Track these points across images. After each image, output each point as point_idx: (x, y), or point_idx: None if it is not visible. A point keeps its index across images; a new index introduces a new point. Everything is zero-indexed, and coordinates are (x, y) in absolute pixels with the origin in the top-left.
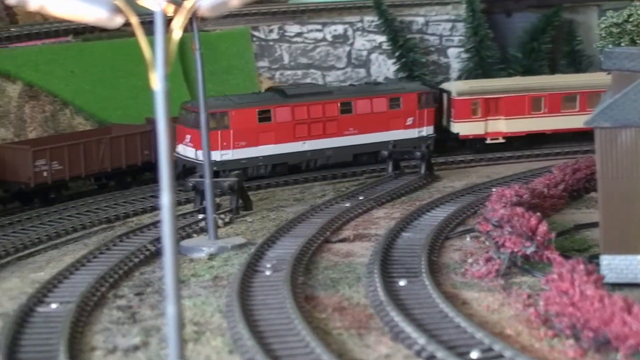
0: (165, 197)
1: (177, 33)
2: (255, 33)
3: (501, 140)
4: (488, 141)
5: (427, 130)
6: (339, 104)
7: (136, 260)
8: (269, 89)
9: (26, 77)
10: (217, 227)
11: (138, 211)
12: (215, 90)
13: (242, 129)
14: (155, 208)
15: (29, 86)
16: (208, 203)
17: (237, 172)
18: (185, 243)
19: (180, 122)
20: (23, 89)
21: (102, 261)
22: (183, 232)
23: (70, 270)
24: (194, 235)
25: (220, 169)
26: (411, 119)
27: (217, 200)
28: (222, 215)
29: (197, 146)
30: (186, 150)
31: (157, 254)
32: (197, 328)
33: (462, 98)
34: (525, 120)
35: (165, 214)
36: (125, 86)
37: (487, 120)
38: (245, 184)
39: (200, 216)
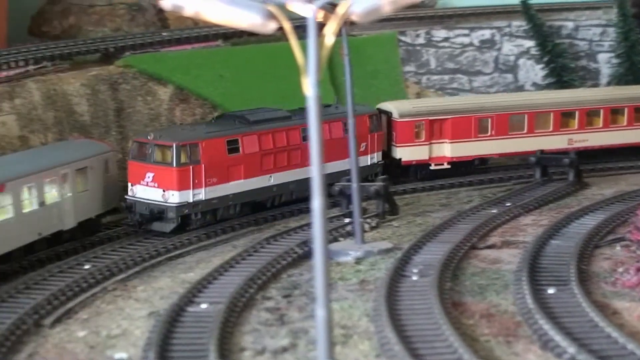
0: (317, 201)
1: (329, 39)
2: (402, 38)
3: (446, 166)
4: (432, 167)
5: (377, 157)
6: (300, 131)
7: (284, 262)
8: (219, 116)
9: (177, 81)
10: (364, 231)
11: (285, 214)
12: (360, 95)
13: (213, 163)
14: (301, 211)
15: (180, 89)
16: (355, 207)
17: (383, 176)
18: (332, 247)
19: (136, 158)
20: (174, 92)
21: (251, 263)
22: (330, 236)
23: (219, 271)
24: (341, 239)
25: (191, 212)
26: (364, 144)
27: (363, 204)
28: (369, 220)
29: (164, 184)
30: (148, 192)
31: (304, 256)
32: (344, 331)
33: (404, 120)
34: (471, 144)
35: (316, 218)
36: (273, 90)
37: (431, 144)
38: (390, 189)
39: (347, 220)
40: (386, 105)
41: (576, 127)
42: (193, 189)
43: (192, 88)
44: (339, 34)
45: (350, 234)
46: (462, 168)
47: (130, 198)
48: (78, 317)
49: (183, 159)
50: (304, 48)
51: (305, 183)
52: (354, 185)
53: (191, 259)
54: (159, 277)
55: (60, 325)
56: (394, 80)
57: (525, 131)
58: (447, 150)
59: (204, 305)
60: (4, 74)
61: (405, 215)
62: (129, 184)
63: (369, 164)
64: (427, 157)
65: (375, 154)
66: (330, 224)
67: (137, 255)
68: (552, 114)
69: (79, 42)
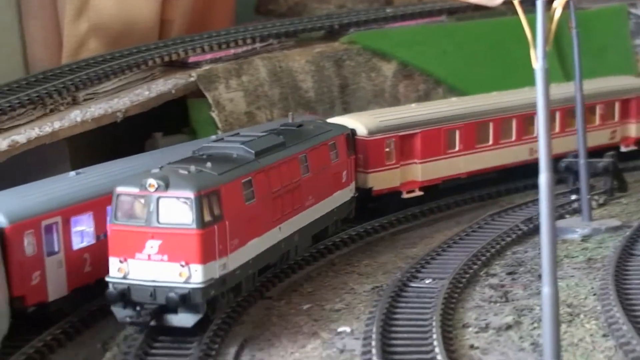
0: (543, 177)
1: (558, 11)
2: (633, 10)
3: (418, 193)
4: (404, 195)
5: (353, 189)
6: (298, 161)
7: (508, 239)
8: (193, 158)
9: (400, 57)
10: (591, 208)
11: (510, 190)
12: (589, 68)
13: (234, 217)
14: (526, 188)
15: (403, 65)
16: (582, 184)
17: (611, 152)
18: (559, 223)
19: (125, 220)
20: (397, 68)
21: (474, 239)
22: (556, 213)
23: (442, 247)
24: (567, 216)
25: (218, 292)
26: (345, 172)
27: (591, 181)
28: (596, 197)
29: (180, 255)
30: (151, 269)
31: (529, 233)
32: (570, 310)
33: (374, 138)
34: (440, 162)
35: (543, 194)
36: (498, 65)
37: (402, 165)
38: (618, 165)
39: (573, 197)
40: (344, 121)
41: (535, 133)
42: (219, 257)
43: (416, 64)
44: (566, 7)
45: (576, 211)
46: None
47: (119, 281)
48: (303, 290)
49: (206, 216)
50: (530, 22)
51: (305, 232)
52: (581, 161)
53: (414, 234)
54: (382, 252)
55: (285, 298)
56: (623, 55)
57: (490, 143)
58: (418, 172)
59: (427, 281)
60: (232, 51)
61: (635, 192)
62: (114, 260)
63: (348, 198)
64: (398, 184)
65: (352, 183)
66: (557, 200)
67: (362, 230)
68: (514, 120)
69: (304, 19)
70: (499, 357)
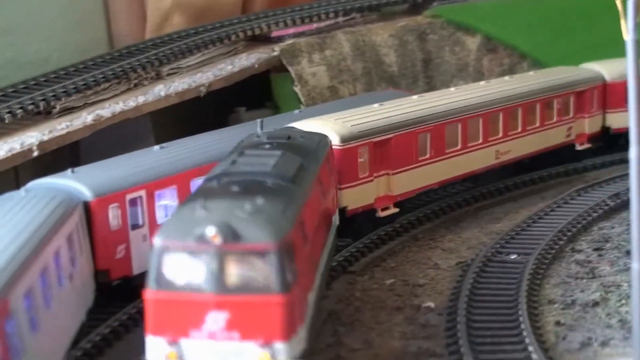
0: (634, 150)
1: None
2: None
3: (393, 210)
4: (379, 214)
5: (337, 216)
6: (319, 185)
7: (594, 215)
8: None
9: (485, 30)
10: None
11: (597, 165)
12: None
13: (302, 273)
14: (613, 163)
15: (487, 39)
16: None
17: None
18: None
19: (173, 286)
20: (482, 42)
21: (560, 215)
22: None
23: (527, 223)
24: None
25: None
26: (333, 195)
27: None
28: None
29: (256, 332)
30: (218, 354)
31: (615, 209)
32: None
33: (347, 146)
34: (413, 172)
35: (633, 168)
36: (584, 37)
37: (374, 178)
38: None
39: None
40: (311, 125)
41: (500, 134)
42: (299, 327)
43: (500, 37)
44: None
45: None
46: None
47: None
48: (386, 265)
49: (288, 274)
50: None
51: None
52: None
53: (498, 209)
54: (466, 228)
55: (368, 273)
56: None
57: (459, 147)
58: (393, 185)
59: (512, 256)
60: (315, 25)
61: None
62: (158, 341)
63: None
64: (372, 200)
65: (337, 211)
66: None
67: (445, 205)
68: (480, 119)
69: None
70: (585, 334)
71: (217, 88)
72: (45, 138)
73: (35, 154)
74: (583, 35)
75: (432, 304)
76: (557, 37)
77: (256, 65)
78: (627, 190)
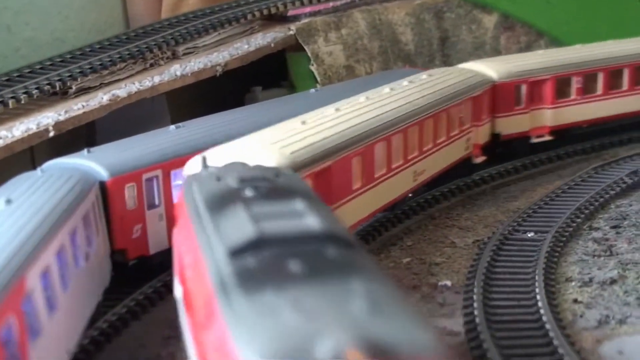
0: None
1: None
2: None
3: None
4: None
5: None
6: None
7: (612, 192)
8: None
9: (502, 8)
10: None
11: (614, 142)
12: None
13: None
14: (631, 140)
15: (505, 17)
16: None
17: None
18: None
19: None
20: (499, 19)
21: (577, 192)
22: None
23: (544, 201)
24: None
25: None
26: None
27: None
28: None
29: None
30: None
31: (634, 187)
32: None
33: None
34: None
35: None
36: (605, 17)
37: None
38: None
39: None
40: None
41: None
42: None
43: (518, 15)
44: None
45: None
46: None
47: None
48: (402, 243)
49: None
50: None
51: None
52: None
53: (515, 187)
54: (482, 206)
55: (385, 251)
56: None
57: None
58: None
59: (529, 234)
60: (331, 4)
61: None
62: None
63: None
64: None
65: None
66: None
67: (462, 183)
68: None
69: None
70: (602, 312)
71: (233, 67)
72: (62, 118)
73: (52, 134)
74: (604, 13)
75: (449, 282)
76: (576, 14)
77: (272, 45)
78: None
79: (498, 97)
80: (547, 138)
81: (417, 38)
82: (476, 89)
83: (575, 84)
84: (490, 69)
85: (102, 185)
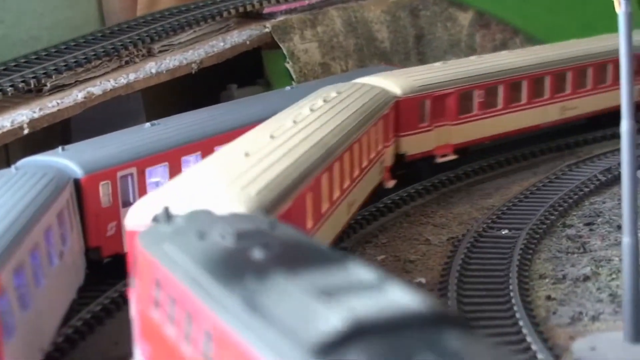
0: (625, 124)
1: None
2: None
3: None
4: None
5: None
6: None
7: (586, 190)
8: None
9: (477, 5)
10: None
11: (588, 140)
12: None
13: None
14: (605, 138)
15: (480, 14)
16: None
17: None
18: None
19: None
20: (474, 17)
21: (551, 190)
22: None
23: (519, 198)
24: None
25: None
26: None
27: None
28: None
29: None
30: None
31: (607, 184)
32: None
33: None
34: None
35: (625, 141)
36: (578, 14)
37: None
38: None
39: None
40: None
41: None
42: None
43: (493, 12)
44: None
45: None
46: None
47: None
48: (377, 241)
49: None
50: None
51: None
52: None
53: (490, 185)
54: (457, 203)
55: (359, 249)
56: None
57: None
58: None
59: (504, 231)
60: (307, 2)
61: None
62: None
63: None
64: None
65: None
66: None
67: (436, 180)
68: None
69: None
70: (575, 309)
71: (209, 65)
72: (36, 116)
73: (26, 131)
74: (578, 10)
75: (423, 280)
76: (551, 11)
77: (248, 42)
78: (618, 164)
79: (402, 114)
80: (452, 157)
81: (393, 36)
82: (385, 106)
83: (477, 97)
84: (393, 83)
85: (77, 183)
